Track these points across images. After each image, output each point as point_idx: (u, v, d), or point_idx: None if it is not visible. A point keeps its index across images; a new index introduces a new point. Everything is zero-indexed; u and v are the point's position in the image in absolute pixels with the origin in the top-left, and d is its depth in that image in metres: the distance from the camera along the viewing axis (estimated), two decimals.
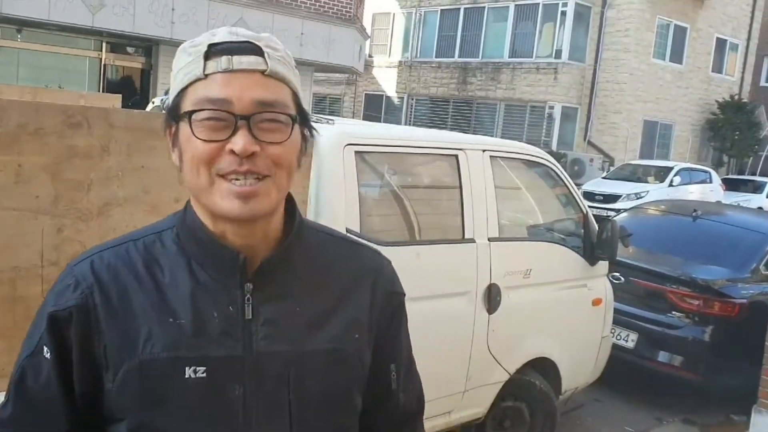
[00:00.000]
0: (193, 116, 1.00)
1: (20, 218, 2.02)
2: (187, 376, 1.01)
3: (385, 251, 3.10)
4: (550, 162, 4.15)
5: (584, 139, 21.03)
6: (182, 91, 1.02)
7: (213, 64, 1.00)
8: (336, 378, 1.11)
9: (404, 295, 1.25)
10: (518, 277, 3.74)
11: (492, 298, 3.58)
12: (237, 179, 0.99)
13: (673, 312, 5.34)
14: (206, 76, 1.00)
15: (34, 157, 2.00)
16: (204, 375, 1.01)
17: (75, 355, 1.02)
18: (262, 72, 1.01)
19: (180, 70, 1.04)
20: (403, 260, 3.22)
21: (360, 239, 1.23)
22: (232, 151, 0.98)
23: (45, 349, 1.02)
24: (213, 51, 1.01)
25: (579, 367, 4.35)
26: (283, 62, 1.04)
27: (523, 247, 3.90)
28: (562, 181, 4.21)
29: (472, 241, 3.50)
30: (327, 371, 1.09)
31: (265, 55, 1.02)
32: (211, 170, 1.00)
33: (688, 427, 5.14)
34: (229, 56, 1.00)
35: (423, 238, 3.46)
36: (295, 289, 1.10)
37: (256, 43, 1.02)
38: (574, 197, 4.28)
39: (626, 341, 5.46)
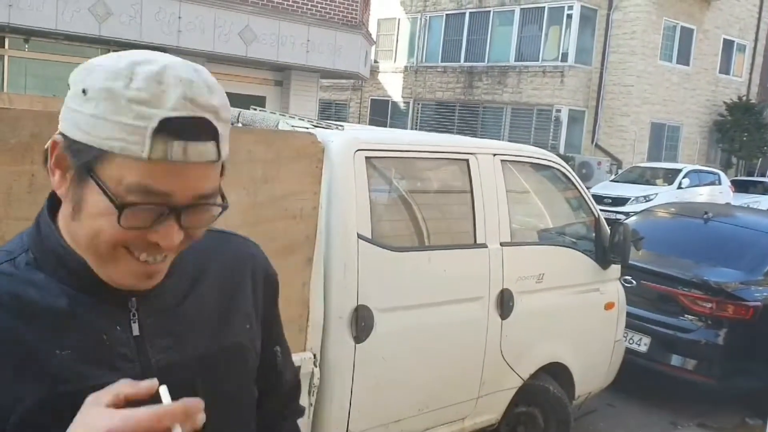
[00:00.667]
0: (126, 208, 0.86)
1: None
2: None
3: (396, 256, 3.11)
4: (560, 165, 4.13)
5: (592, 142, 20.97)
6: (107, 152, 0.86)
7: (161, 148, 0.84)
8: (238, 374, 1.09)
9: (277, 275, 1.23)
10: (531, 281, 3.71)
11: (505, 303, 3.56)
12: (148, 260, 0.92)
13: (686, 315, 5.30)
14: (149, 159, 0.84)
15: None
16: None
17: None
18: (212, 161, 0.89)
19: (106, 118, 0.84)
20: (414, 265, 3.22)
21: (224, 228, 1.18)
22: (156, 242, 0.90)
23: None
24: (164, 129, 0.84)
25: (592, 372, 4.32)
26: (227, 130, 0.93)
27: (536, 251, 3.87)
28: (573, 184, 4.19)
29: (484, 246, 3.48)
30: (230, 369, 1.07)
31: (220, 140, 0.89)
32: (118, 246, 0.90)
33: (703, 431, 5.10)
34: (185, 143, 0.85)
35: (434, 243, 3.44)
36: (179, 294, 1.03)
37: (213, 122, 0.87)
38: (585, 201, 4.25)
39: (639, 345, 5.42)
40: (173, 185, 0.87)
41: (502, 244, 3.55)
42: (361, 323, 2.96)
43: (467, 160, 3.50)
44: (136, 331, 0.97)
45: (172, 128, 0.84)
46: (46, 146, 0.92)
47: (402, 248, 3.23)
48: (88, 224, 0.90)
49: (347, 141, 3.03)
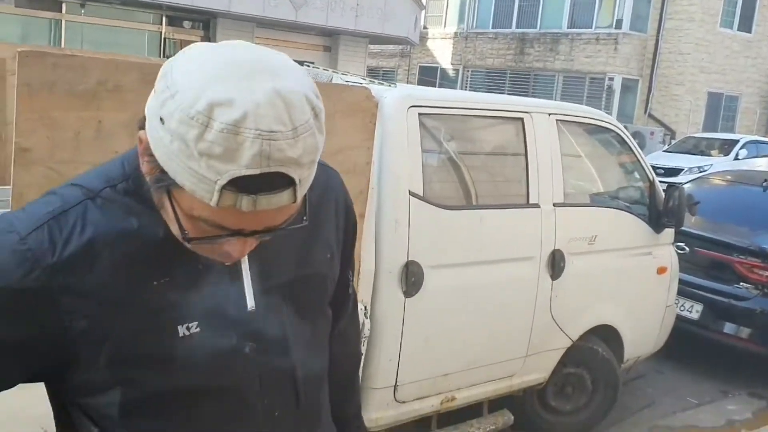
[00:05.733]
0: (191, 242, 0.90)
1: None
2: (181, 335, 0.97)
3: (448, 215, 3.12)
4: (617, 127, 4.06)
5: (645, 112, 20.46)
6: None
7: (230, 199, 0.82)
8: (316, 299, 1.17)
9: (353, 205, 1.29)
10: (583, 243, 3.69)
11: (556, 263, 3.54)
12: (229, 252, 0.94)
13: (741, 283, 5.19)
14: (218, 206, 0.83)
15: (113, 114, 2.05)
16: (198, 329, 0.98)
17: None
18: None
19: (179, 159, 0.82)
20: (466, 224, 3.23)
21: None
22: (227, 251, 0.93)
23: None
24: (234, 185, 0.81)
25: (642, 336, 4.29)
26: (312, 165, 0.87)
27: (589, 213, 3.83)
28: (629, 147, 4.12)
29: (536, 206, 3.46)
30: (309, 295, 1.14)
31: (298, 185, 0.84)
32: None
33: (754, 400, 5.02)
34: (255, 196, 0.82)
35: (487, 203, 3.43)
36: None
37: (290, 174, 0.82)
38: (640, 164, 4.18)
39: (690, 312, 5.34)
40: (243, 225, 0.86)
41: (555, 205, 3.53)
42: (411, 278, 2.99)
43: (522, 119, 3.46)
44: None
45: (242, 184, 0.81)
46: (139, 129, 0.91)
47: (454, 206, 3.23)
48: (183, 218, 0.90)
49: (401, 97, 3.03)
